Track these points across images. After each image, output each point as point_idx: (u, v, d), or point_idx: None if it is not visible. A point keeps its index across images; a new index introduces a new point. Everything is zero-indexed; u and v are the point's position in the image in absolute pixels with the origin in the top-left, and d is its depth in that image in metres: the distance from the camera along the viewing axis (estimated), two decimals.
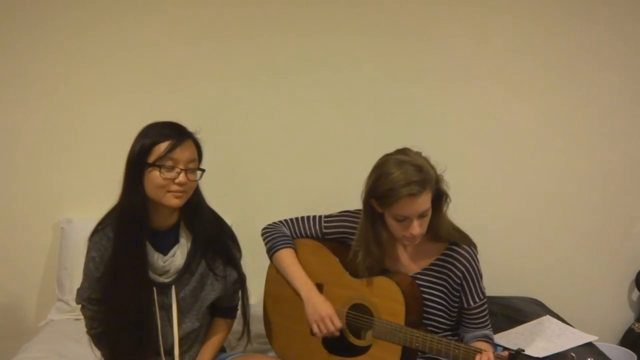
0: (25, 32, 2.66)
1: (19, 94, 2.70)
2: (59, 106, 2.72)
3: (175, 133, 1.83)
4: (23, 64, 2.68)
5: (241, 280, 2.03)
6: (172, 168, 1.80)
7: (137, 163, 1.81)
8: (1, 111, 2.70)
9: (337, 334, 2.00)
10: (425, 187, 1.82)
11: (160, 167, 1.79)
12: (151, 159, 1.80)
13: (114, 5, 2.68)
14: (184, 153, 1.81)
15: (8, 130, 2.71)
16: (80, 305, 1.95)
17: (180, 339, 1.94)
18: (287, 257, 2.10)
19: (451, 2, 2.83)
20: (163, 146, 1.79)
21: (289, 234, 2.17)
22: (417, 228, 1.86)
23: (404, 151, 1.91)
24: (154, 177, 1.80)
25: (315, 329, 2.01)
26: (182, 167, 1.81)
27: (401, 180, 1.80)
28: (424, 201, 1.84)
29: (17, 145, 2.73)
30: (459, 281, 1.97)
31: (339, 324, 1.99)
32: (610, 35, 2.90)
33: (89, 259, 1.90)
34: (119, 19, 2.69)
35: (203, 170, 1.89)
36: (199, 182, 1.92)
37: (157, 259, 1.89)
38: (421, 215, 1.86)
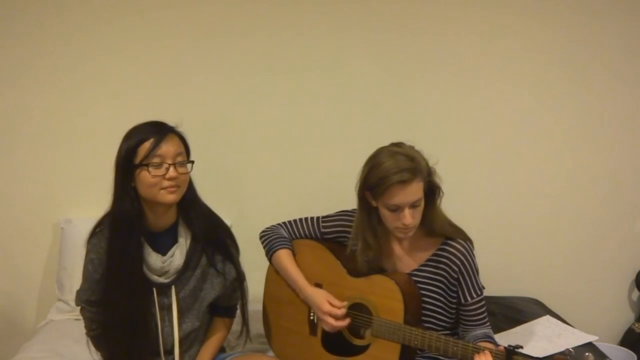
0: (24, 34, 2.66)
1: (18, 94, 2.70)
2: (58, 105, 2.72)
3: (157, 129, 1.84)
4: (23, 64, 2.68)
5: (240, 279, 2.04)
6: (159, 165, 1.81)
7: (125, 166, 1.82)
8: (1, 111, 2.71)
9: (344, 311, 1.98)
10: (416, 175, 1.84)
11: (147, 165, 1.80)
12: (138, 159, 1.80)
13: (114, 5, 2.68)
14: (169, 148, 1.82)
15: (8, 130, 2.72)
16: (79, 307, 1.96)
17: (180, 339, 1.94)
18: (284, 258, 2.11)
19: None
20: (147, 145, 1.80)
21: (287, 235, 2.18)
22: (410, 218, 1.87)
23: (397, 144, 1.94)
24: (144, 177, 1.80)
25: (326, 320, 1.98)
26: (169, 161, 1.82)
27: (392, 169, 1.83)
28: (415, 190, 1.86)
29: (16, 145, 2.73)
30: (455, 276, 1.97)
31: (341, 304, 1.98)
32: (615, 34, 2.88)
33: (88, 260, 1.90)
34: (119, 19, 2.69)
35: (192, 162, 1.89)
36: (192, 178, 1.92)
37: (156, 260, 1.89)
38: (413, 205, 1.87)
